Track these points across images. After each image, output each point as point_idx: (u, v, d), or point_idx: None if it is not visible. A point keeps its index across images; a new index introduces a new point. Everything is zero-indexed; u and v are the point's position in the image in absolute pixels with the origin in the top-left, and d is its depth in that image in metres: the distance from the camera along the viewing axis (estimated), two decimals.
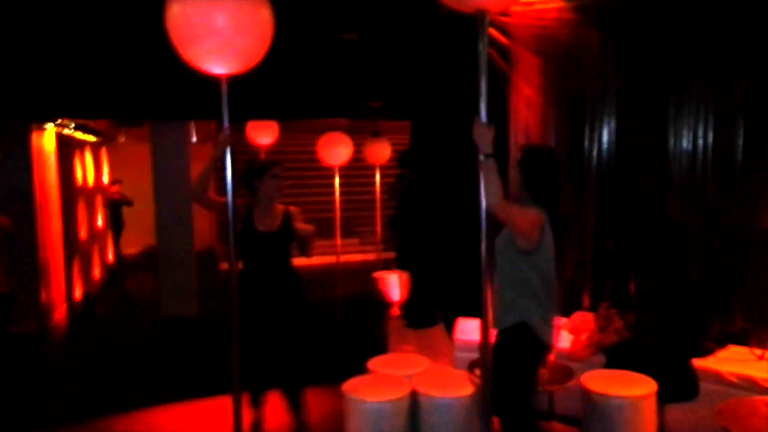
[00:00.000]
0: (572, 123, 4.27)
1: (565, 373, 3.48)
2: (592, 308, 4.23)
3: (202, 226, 10.76)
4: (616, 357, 3.72)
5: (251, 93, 7.00)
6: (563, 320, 4.31)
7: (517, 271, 2.78)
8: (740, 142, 3.76)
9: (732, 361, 3.53)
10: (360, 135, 9.07)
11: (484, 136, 2.51)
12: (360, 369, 3.94)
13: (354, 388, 3.51)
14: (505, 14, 4.32)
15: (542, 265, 2.76)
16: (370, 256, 10.79)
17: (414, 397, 3.49)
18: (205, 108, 6.83)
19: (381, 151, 8.94)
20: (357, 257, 10.83)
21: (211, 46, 3.08)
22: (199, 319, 7.26)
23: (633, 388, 3.35)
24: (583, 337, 3.94)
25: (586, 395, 3.41)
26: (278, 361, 3.77)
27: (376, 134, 9.09)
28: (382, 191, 9.12)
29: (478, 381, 3.49)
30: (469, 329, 4.32)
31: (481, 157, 2.52)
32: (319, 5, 6.06)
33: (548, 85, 4.31)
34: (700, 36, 3.83)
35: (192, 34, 3.04)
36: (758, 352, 3.54)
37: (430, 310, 6.18)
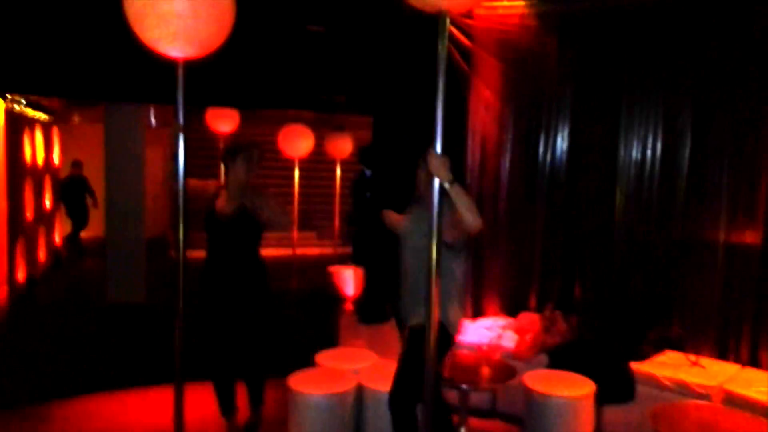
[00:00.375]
0: (528, 127, 4.35)
1: (508, 372, 3.54)
2: (539, 309, 4.33)
3: (154, 212, 10.58)
4: (559, 358, 3.81)
5: (212, 79, 6.87)
6: (509, 320, 4.41)
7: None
8: (687, 153, 3.90)
9: (668, 366, 3.65)
10: (323, 128, 9.05)
11: (441, 167, 2.45)
12: (309, 363, 3.94)
13: (299, 381, 3.51)
14: (468, 16, 4.36)
15: (462, 263, 2.89)
16: (327, 251, 10.79)
17: (359, 391, 3.51)
18: (162, 92, 6.74)
19: (343, 146, 8.92)
20: (314, 251, 10.80)
21: (168, 29, 3.02)
22: (146, 306, 7.12)
23: (573, 389, 3.44)
24: (528, 337, 4.02)
25: (528, 394, 3.48)
26: (241, 353, 3.71)
27: (340, 128, 9.07)
28: (342, 186, 9.12)
29: None
30: None
31: (446, 185, 2.51)
32: None
33: (507, 88, 4.37)
34: (653, 48, 3.96)
35: (149, 16, 2.98)
36: (693, 358, 3.67)
37: (382, 306, 6.20)
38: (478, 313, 4.58)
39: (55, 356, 5.42)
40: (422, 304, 2.80)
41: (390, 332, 5.83)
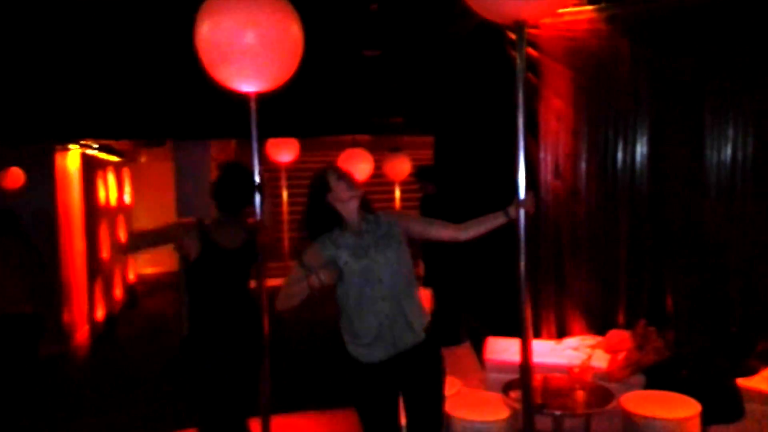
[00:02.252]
0: (604, 135, 4.17)
1: (605, 395, 3.35)
2: (628, 326, 4.11)
3: None
4: (656, 377, 3.59)
5: (272, 110, 7.00)
6: (597, 339, 4.20)
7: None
8: None
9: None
10: (379, 151, 9.05)
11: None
12: None
13: None
14: (534, 26, 4.25)
15: None
16: None
17: (448, 422, 3.38)
18: (226, 126, 6.89)
19: (401, 167, 8.91)
20: None
21: (241, 65, 3.04)
22: None
23: (676, 410, 3.22)
24: (621, 356, 3.81)
25: (627, 418, 3.28)
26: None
27: (396, 150, 9.06)
28: (402, 206, 9.08)
29: (513, 404, 3.38)
30: (500, 348, 4.21)
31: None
32: (341, 21, 6.06)
33: (579, 97, 4.22)
34: (736, 44, 3.74)
35: (222, 53, 3.00)
36: None
37: (455, 329, 6.06)
38: (562, 332, 4.38)
39: (138, 393, 5.51)
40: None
41: (466, 356, 5.69)
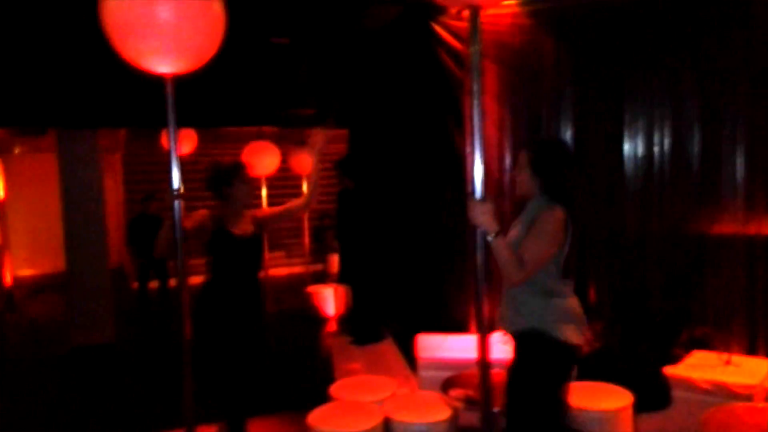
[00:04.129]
0: (528, 129, 4.18)
1: None
2: None
3: (110, 242, 9.99)
4: (587, 367, 3.62)
5: (163, 99, 6.49)
6: None
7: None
8: (696, 148, 3.81)
9: (701, 367, 3.52)
10: (285, 144, 8.70)
11: (484, 215, 2.22)
12: (312, 393, 3.65)
13: (321, 419, 3.20)
14: (458, 18, 4.18)
15: (560, 261, 2.51)
16: (297, 269, 10.43)
17: (387, 425, 3.23)
18: (121, 112, 6.32)
19: (308, 161, 8.62)
20: (283, 270, 10.42)
21: (158, 41, 2.70)
22: (115, 346, 6.60)
23: (610, 400, 3.26)
24: None
25: None
26: (251, 385, 3.44)
27: (302, 143, 8.77)
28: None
29: (455, 403, 3.29)
30: (431, 346, 4.11)
31: (489, 238, 2.27)
32: (248, 5, 5.72)
33: (503, 91, 4.20)
34: (655, 40, 3.85)
35: (134, 28, 2.65)
36: (725, 356, 3.55)
37: (376, 326, 5.93)
38: (491, 327, 4.35)
39: (22, 407, 4.90)
40: (511, 309, 2.69)
41: (388, 353, 5.57)
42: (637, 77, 3.94)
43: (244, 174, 3.39)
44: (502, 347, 4.06)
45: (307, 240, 9.01)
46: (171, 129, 3.00)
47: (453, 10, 4.13)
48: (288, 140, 8.91)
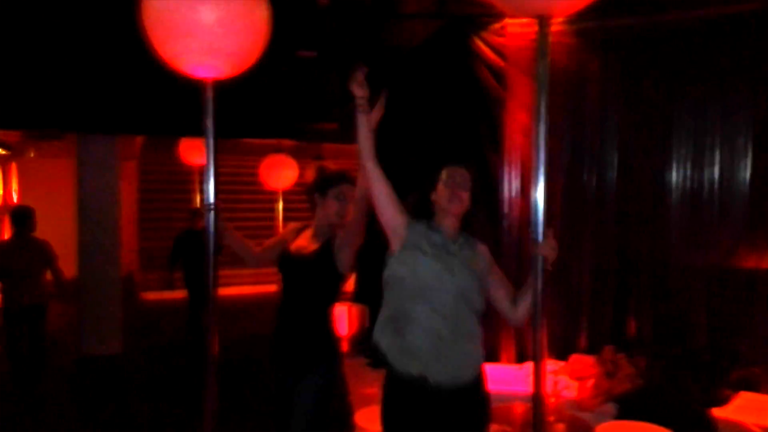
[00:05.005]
0: (571, 154, 4.02)
1: (583, 429, 3.14)
2: (590, 350, 3.95)
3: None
4: (629, 406, 3.42)
5: (188, 107, 6.38)
6: (559, 364, 4.02)
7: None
8: (747, 176, 3.64)
9: (750, 410, 3.31)
10: (302, 159, 8.58)
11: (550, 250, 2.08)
12: (332, 421, 3.45)
13: None
14: (500, 34, 4.05)
15: None
16: None
17: None
18: (143, 119, 6.20)
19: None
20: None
21: (200, 43, 2.57)
22: (123, 357, 6.42)
23: None
24: (589, 384, 3.63)
25: None
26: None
27: (320, 158, 8.66)
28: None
29: None
30: None
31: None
32: (277, 17, 5.62)
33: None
34: (706, 62, 3.71)
35: (176, 28, 2.52)
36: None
37: None
38: (521, 357, 4.16)
39: (32, 418, 4.70)
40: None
41: None
42: (686, 102, 3.78)
43: (343, 189, 2.83)
44: (525, 378, 3.89)
45: None
46: (209, 137, 2.84)
47: (496, 26, 4.00)
48: (305, 154, 8.78)
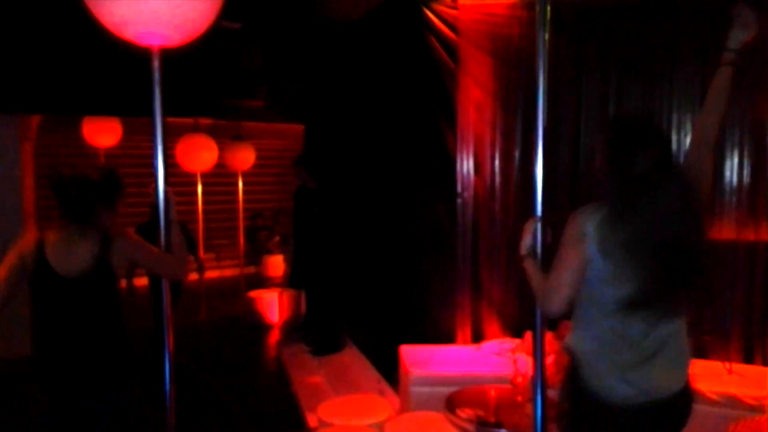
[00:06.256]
0: (524, 130, 3.97)
1: (551, 406, 3.12)
2: (550, 327, 3.96)
3: None
4: None
5: (88, 83, 5.81)
6: (515, 341, 4.00)
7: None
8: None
9: (705, 378, 3.42)
10: (220, 138, 8.10)
11: (525, 237, 2.16)
12: (277, 413, 3.26)
13: None
14: (452, 6, 3.91)
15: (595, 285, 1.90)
16: (229, 272, 9.82)
17: None
18: (44, 98, 5.59)
19: (244, 156, 8.11)
20: (213, 273, 9.75)
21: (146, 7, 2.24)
22: (33, 359, 5.83)
23: None
24: (549, 360, 3.62)
25: None
26: None
27: (239, 138, 8.22)
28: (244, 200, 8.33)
29: (465, 425, 3.01)
30: (421, 359, 3.80)
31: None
32: None
33: (499, 87, 3.96)
34: (655, 35, 3.74)
35: None
36: (727, 366, 3.49)
37: (335, 334, 5.55)
38: (478, 336, 4.12)
39: None
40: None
41: (353, 363, 5.21)
42: (639, 78, 3.81)
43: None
44: (496, 359, 3.86)
45: (242, 240, 8.47)
46: (157, 111, 2.53)
47: None
48: (224, 134, 8.31)
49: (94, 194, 2.37)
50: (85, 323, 2.32)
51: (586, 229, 1.85)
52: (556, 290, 1.91)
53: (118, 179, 2.53)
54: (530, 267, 2.14)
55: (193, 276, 7.45)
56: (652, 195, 1.75)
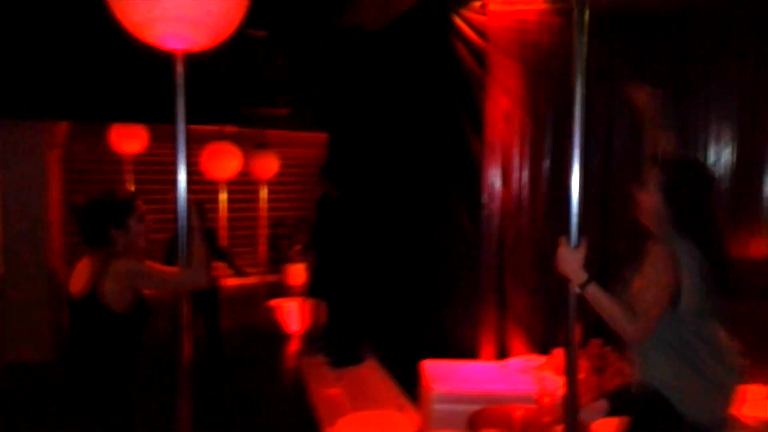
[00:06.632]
0: (553, 140, 3.86)
1: (580, 427, 2.98)
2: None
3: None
4: (621, 403, 3.30)
5: (115, 91, 5.85)
6: (542, 359, 3.88)
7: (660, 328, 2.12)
8: (731, 160, 3.57)
9: (742, 401, 3.26)
10: (243, 147, 8.10)
11: (569, 263, 1.97)
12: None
13: None
14: (481, 12, 3.83)
15: (687, 320, 2.11)
16: (249, 281, 9.78)
17: None
18: (59, 107, 5.64)
19: (268, 165, 8.10)
20: (232, 281, 9.72)
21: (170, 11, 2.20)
22: (54, 364, 5.84)
23: None
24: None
25: None
26: None
27: (263, 146, 8.21)
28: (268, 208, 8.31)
29: None
30: (443, 375, 3.69)
31: (577, 289, 1.97)
32: None
33: (529, 96, 3.86)
34: (692, 45, 3.61)
35: None
36: (763, 390, 3.32)
37: (355, 346, 5.46)
38: (502, 353, 3.99)
39: None
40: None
41: (372, 377, 5.10)
42: (672, 84, 3.68)
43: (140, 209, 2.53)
44: (523, 378, 3.72)
45: (263, 249, 8.44)
46: (180, 115, 2.48)
47: (476, 4, 3.78)
48: (248, 142, 8.32)
49: (103, 219, 2.41)
50: (78, 343, 2.39)
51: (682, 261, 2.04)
52: (650, 312, 2.03)
53: (128, 200, 2.51)
54: (597, 292, 2.03)
55: (231, 281, 7.45)
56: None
